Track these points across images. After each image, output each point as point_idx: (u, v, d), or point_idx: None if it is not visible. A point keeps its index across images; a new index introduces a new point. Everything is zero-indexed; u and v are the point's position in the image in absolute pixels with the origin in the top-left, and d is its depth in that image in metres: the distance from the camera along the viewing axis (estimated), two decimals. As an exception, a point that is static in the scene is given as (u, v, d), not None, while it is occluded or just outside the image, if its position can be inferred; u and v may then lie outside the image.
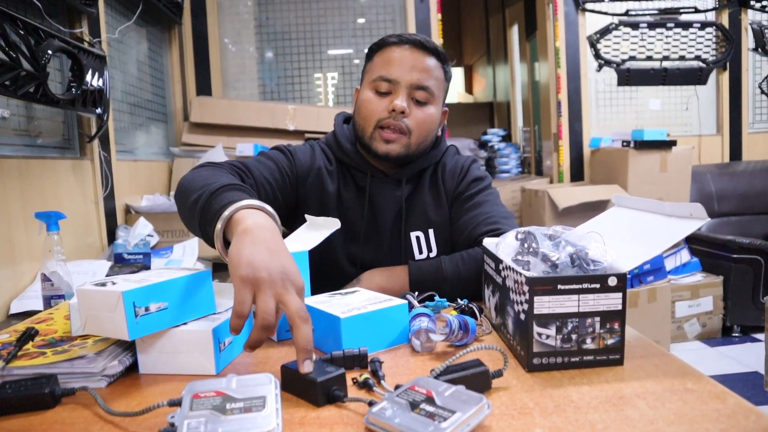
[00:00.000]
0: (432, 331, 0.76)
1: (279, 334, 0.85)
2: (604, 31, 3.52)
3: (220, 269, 2.11)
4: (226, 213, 0.79)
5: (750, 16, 3.65)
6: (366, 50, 1.19)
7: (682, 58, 3.61)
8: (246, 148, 2.82)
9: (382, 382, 0.65)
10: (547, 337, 0.68)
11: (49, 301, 1.15)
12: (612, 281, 0.67)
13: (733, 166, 3.60)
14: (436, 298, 0.95)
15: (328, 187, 1.16)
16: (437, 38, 3.33)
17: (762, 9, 3.63)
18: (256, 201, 0.82)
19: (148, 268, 1.65)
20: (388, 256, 1.17)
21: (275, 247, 0.72)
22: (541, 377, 0.68)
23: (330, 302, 0.84)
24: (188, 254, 2.01)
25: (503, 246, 0.80)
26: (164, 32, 3.03)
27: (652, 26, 3.57)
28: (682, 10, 3.62)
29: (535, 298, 0.67)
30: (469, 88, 8.03)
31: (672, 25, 3.58)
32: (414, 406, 0.55)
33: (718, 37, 3.64)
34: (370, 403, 0.58)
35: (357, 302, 0.83)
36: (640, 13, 3.59)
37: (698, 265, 3.15)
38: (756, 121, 3.78)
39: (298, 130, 2.99)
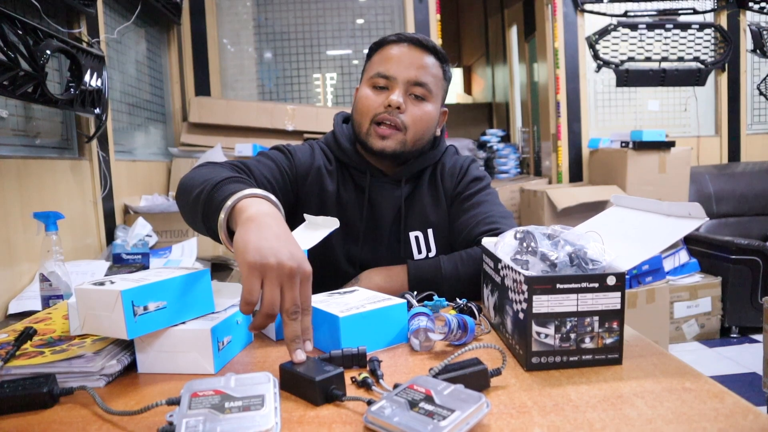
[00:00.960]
0: (431, 331, 0.76)
1: (278, 333, 0.85)
2: (603, 32, 3.53)
3: (218, 269, 2.11)
4: (229, 203, 0.79)
5: (748, 18, 3.65)
6: (365, 51, 1.20)
7: (680, 59, 3.62)
8: (245, 148, 2.81)
9: (381, 381, 0.65)
10: (546, 336, 0.68)
11: (47, 301, 1.14)
12: (611, 280, 0.67)
13: (732, 167, 3.61)
14: (435, 297, 0.95)
15: (327, 187, 1.16)
16: (436, 39, 3.33)
17: (760, 10, 3.64)
18: (259, 190, 0.82)
19: (146, 268, 1.65)
20: (387, 255, 1.17)
21: (281, 233, 0.71)
22: (539, 376, 0.68)
23: (329, 301, 0.84)
24: (187, 254, 2.01)
25: (502, 245, 0.80)
26: (163, 32, 3.02)
27: (650, 27, 3.58)
28: (680, 11, 3.62)
29: (534, 298, 0.67)
30: (468, 89, 8.03)
31: (671, 26, 3.59)
32: (413, 404, 0.55)
33: (716, 38, 3.64)
34: (369, 402, 0.58)
35: (356, 301, 0.83)
36: (639, 14, 3.60)
37: (697, 265, 3.15)
38: (754, 122, 3.79)
39: (296, 131, 2.99)
